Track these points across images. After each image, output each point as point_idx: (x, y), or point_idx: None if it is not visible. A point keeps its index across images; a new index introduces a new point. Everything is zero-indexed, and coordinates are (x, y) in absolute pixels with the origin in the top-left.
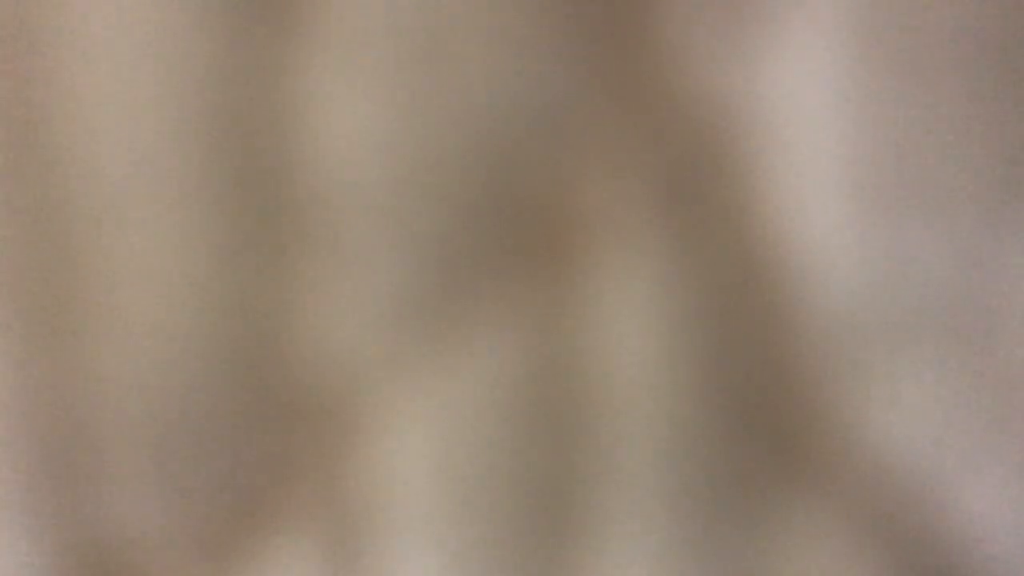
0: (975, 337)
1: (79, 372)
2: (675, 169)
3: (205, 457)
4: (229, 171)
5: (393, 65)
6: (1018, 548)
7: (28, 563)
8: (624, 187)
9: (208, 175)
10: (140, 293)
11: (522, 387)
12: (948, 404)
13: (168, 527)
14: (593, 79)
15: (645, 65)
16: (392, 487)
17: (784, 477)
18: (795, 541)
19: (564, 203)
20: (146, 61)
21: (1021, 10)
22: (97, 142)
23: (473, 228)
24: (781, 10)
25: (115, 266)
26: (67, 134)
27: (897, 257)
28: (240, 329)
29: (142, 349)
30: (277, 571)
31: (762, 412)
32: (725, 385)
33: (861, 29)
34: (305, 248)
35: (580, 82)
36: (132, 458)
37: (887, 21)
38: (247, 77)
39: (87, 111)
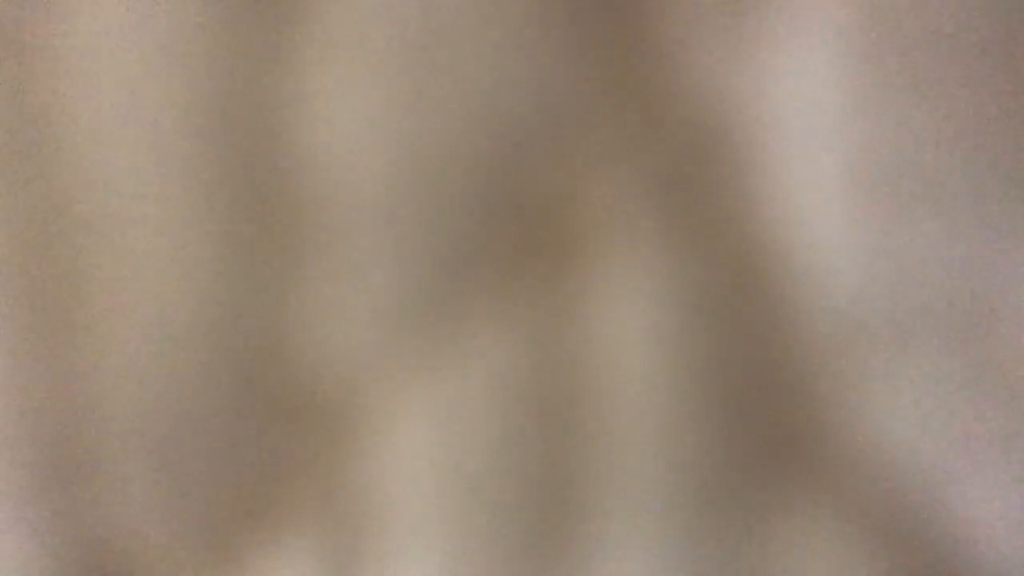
0: (976, 337)
1: (79, 372)
2: (675, 169)
3: (205, 457)
4: (229, 171)
5: (393, 64)
6: (1018, 548)
7: (28, 563)
8: (624, 187)
9: (208, 175)
10: (140, 293)
11: (522, 387)
12: (949, 404)
13: (168, 527)
14: (593, 79)
15: (645, 65)
16: (392, 487)
17: (784, 477)
18: (795, 540)
19: (564, 203)
20: (146, 61)
21: (1021, 10)
22: (97, 142)
23: (473, 228)
24: (781, 10)
25: (114, 266)
26: (67, 134)
27: (898, 257)
28: (240, 328)
29: (142, 349)
30: (277, 571)
31: (762, 412)
32: (725, 385)
33: (862, 28)
34: (305, 248)
35: (580, 82)
36: (132, 458)
37: (888, 21)
38: (247, 77)
39: (87, 111)
